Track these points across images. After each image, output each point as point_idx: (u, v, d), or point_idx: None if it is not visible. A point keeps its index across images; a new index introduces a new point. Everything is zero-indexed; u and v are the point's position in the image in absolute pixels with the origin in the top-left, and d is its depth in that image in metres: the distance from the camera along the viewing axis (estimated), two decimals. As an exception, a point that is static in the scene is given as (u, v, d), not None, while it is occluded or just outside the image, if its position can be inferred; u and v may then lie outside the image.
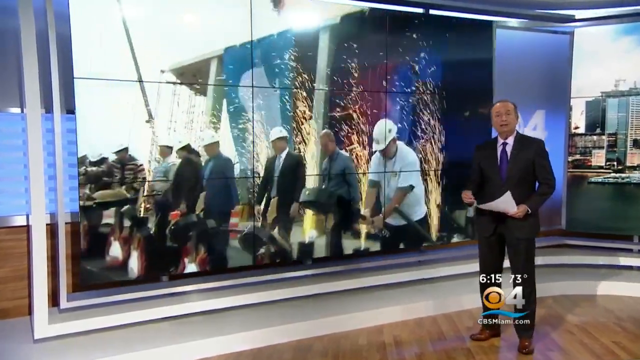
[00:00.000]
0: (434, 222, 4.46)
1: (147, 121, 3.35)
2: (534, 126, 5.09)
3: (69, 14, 3.07)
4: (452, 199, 4.48)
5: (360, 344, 3.42)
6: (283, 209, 3.86)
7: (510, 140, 3.25)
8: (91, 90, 3.15)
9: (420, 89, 4.31)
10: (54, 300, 3.28)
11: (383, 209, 4.23)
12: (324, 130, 3.95)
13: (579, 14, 4.93)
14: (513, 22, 4.89)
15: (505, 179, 3.20)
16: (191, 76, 3.46)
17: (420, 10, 4.37)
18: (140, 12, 3.30)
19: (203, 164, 3.56)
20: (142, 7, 3.31)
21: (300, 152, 3.89)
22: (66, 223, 3.26)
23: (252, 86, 3.66)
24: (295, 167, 3.88)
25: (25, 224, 3.37)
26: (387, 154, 4.21)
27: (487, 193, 3.27)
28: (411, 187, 4.31)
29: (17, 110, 3.37)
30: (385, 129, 4.17)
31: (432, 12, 4.40)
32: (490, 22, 4.59)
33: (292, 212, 3.89)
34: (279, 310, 3.71)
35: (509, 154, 3.22)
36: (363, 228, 4.19)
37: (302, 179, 3.91)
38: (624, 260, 4.75)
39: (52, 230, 3.27)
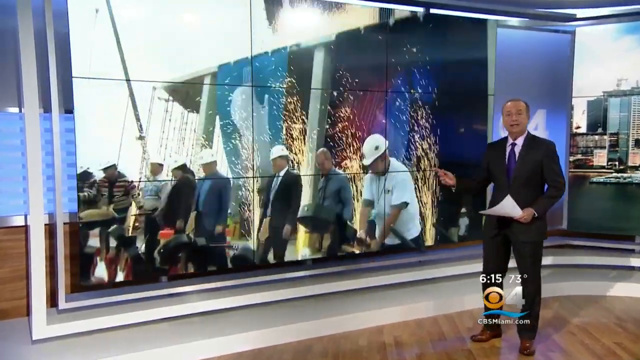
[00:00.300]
0: (430, 237, 4.42)
1: (139, 138, 3.30)
2: (535, 126, 5.05)
3: (67, 13, 3.05)
4: (449, 213, 4.47)
5: (360, 344, 3.41)
6: (276, 229, 3.81)
7: (520, 141, 3.19)
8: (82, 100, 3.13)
9: (416, 102, 4.25)
10: (52, 300, 3.27)
11: (377, 229, 4.16)
12: (321, 149, 3.90)
13: (580, 12, 4.89)
14: (514, 21, 4.87)
15: (512, 179, 3.15)
16: (184, 93, 3.42)
17: (420, 9, 4.33)
18: (133, 26, 3.26)
19: (197, 182, 3.52)
20: (135, 19, 3.27)
21: (295, 169, 3.83)
22: (64, 223, 3.24)
23: (252, 85, 3.64)
24: (292, 187, 3.83)
25: (23, 224, 3.35)
26: (376, 170, 4.13)
27: (495, 194, 3.26)
28: (405, 204, 4.24)
29: (15, 109, 3.35)
30: (372, 145, 4.08)
31: (432, 11, 4.36)
32: (485, 20, 4.54)
33: (284, 234, 3.84)
34: (279, 310, 3.70)
35: (517, 154, 3.17)
36: (357, 250, 4.16)
37: (298, 199, 3.86)
38: (626, 261, 4.73)
39: (50, 231, 3.26)
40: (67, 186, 3.27)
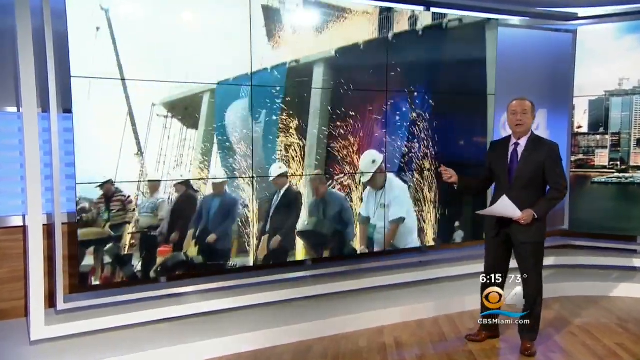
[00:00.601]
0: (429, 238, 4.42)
1: (136, 154, 3.28)
2: (537, 125, 5.01)
3: (65, 11, 3.03)
4: (449, 228, 4.46)
5: (360, 345, 3.39)
6: (276, 246, 3.79)
7: (523, 141, 3.16)
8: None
9: (416, 107, 4.22)
10: (50, 301, 3.25)
11: (375, 244, 4.15)
12: (318, 175, 3.86)
13: (582, 11, 4.86)
14: (515, 20, 4.84)
15: (514, 179, 3.13)
16: (183, 109, 3.40)
17: (420, 8, 4.30)
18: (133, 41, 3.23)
19: (206, 199, 3.53)
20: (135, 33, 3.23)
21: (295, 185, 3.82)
22: (63, 223, 3.23)
23: (251, 85, 3.62)
24: (292, 203, 3.80)
25: (21, 224, 3.33)
26: (375, 185, 4.09)
27: (495, 194, 3.25)
28: (402, 220, 4.22)
29: (14, 109, 3.33)
30: (369, 160, 4.05)
31: (433, 9, 4.34)
32: (484, 24, 4.50)
33: (271, 244, 3.79)
34: (279, 311, 3.68)
35: (519, 154, 3.15)
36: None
37: (297, 216, 3.84)
38: (627, 261, 4.71)
39: (48, 231, 3.23)
40: (65, 186, 3.25)
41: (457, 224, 4.47)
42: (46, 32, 3.06)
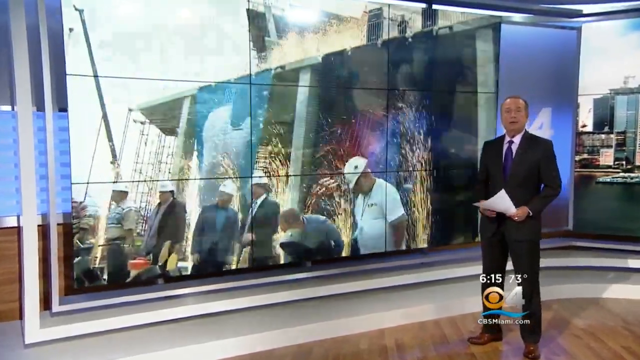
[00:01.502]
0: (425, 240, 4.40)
1: (111, 162, 3.19)
2: (540, 124, 4.98)
3: (61, 9, 2.99)
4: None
5: (361, 348, 3.35)
6: (256, 260, 3.72)
7: (517, 139, 3.16)
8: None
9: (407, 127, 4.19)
10: (45, 303, 3.21)
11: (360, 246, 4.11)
12: (289, 209, 3.79)
13: (586, 8, 4.81)
14: (518, 17, 4.78)
15: (509, 177, 3.12)
16: (161, 115, 3.33)
17: (422, 5, 4.25)
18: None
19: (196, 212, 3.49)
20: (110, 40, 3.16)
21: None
22: (58, 224, 3.18)
23: (250, 83, 3.57)
24: (268, 216, 3.73)
25: (16, 225, 3.29)
26: (362, 189, 4.05)
27: (490, 192, 3.21)
28: (404, 216, 4.22)
29: (8, 108, 3.28)
30: (352, 165, 4.01)
31: (435, 6, 4.28)
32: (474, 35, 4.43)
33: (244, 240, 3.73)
34: (278, 313, 3.64)
35: (514, 152, 3.14)
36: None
37: (274, 229, 3.77)
38: (633, 263, 4.64)
39: (43, 232, 3.19)
40: (60, 186, 3.21)
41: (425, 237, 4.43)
42: (41, 29, 3.01)
